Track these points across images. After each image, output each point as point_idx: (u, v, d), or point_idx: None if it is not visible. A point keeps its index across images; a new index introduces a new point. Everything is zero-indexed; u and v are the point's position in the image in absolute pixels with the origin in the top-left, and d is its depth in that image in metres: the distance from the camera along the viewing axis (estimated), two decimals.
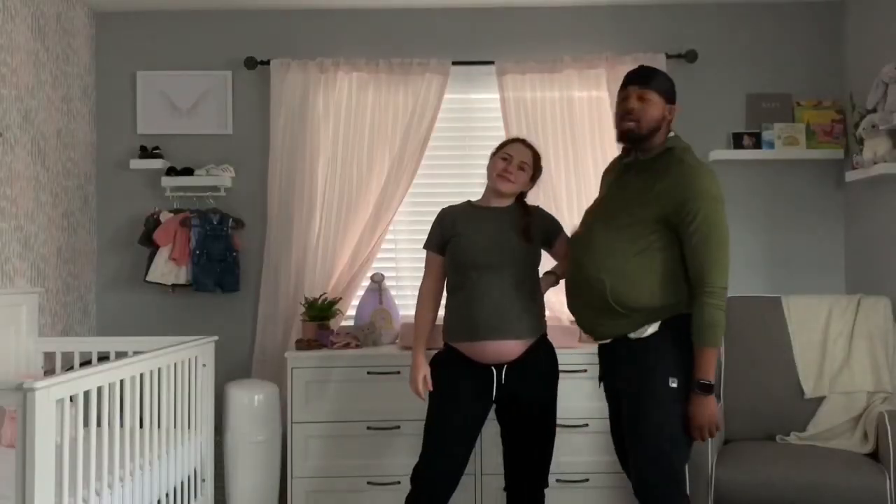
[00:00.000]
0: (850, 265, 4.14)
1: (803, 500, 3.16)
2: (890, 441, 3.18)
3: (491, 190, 2.97)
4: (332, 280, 4.06)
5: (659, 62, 4.06)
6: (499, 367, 2.82)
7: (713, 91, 4.20)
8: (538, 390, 2.87)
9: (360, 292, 4.09)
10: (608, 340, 2.65)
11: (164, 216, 4.11)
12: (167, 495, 3.18)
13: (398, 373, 3.55)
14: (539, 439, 2.89)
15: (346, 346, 3.79)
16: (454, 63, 4.12)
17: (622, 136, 2.60)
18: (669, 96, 2.58)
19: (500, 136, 4.10)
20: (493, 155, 2.99)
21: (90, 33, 4.23)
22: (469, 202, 3.03)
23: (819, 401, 3.61)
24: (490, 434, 3.57)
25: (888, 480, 3.15)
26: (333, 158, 4.11)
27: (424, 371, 2.90)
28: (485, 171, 4.20)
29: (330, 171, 4.11)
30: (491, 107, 4.19)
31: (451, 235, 2.91)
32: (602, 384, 2.79)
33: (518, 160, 2.91)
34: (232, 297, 4.17)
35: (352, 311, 4.09)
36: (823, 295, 3.88)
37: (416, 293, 3.03)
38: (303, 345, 3.78)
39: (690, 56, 4.15)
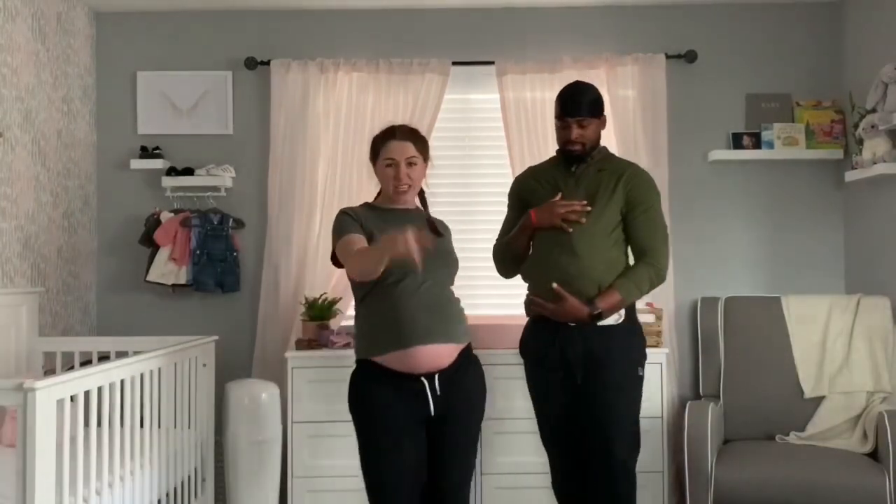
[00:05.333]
0: (849, 265, 4.14)
1: (803, 499, 3.17)
2: (889, 441, 3.18)
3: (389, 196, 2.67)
4: (332, 280, 4.05)
5: (659, 62, 4.07)
6: (429, 377, 2.50)
7: (713, 91, 4.20)
8: (470, 405, 2.59)
9: None
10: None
11: (165, 216, 4.11)
12: (167, 495, 3.18)
13: None
14: (461, 463, 2.60)
15: (346, 346, 3.78)
16: (454, 63, 4.12)
17: (571, 156, 2.82)
18: (601, 112, 2.84)
19: (500, 136, 4.12)
20: (375, 160, 2.65)
21: (90, 33, 4.23)
22: (367, 204, 2.72)
23: (818, 400, 3.62)
24: (489, 434, 3.58)
25: (888, 480, 3.15)
26: (333, 158, 4.11)
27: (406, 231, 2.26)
28: (484, 171, 4.29)
29: (330, 171, 4.11)
30: (491, 107, 4.19)
31: (365, 232, 2.55)
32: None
33: (404, 159, 2.59)
34: (232, 297, 4.17)
35: (352, 311, 4.07)
36: (823, 295, 3.88)
37: None
38: (303, 345, 3.78)
39: (690, 56, 4.15)
